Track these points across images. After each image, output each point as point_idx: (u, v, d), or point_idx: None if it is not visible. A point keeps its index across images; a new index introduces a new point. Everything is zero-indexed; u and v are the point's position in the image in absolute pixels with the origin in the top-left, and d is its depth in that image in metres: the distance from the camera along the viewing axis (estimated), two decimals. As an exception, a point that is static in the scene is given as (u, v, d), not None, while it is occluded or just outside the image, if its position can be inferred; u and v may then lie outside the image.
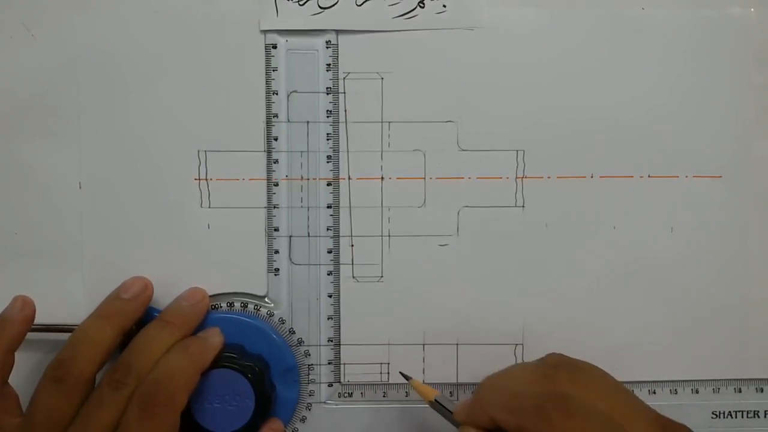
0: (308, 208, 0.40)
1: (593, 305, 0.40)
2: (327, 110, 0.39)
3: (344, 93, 0.39)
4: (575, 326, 0.40)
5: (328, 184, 0.40)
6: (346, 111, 0.40)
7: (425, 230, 0.40)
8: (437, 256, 0.40)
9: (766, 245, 0.41)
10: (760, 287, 0.41)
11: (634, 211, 0.40)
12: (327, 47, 0.39)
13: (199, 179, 0.39)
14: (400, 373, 0.40)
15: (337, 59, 0.39)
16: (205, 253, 0.40)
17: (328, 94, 0.39)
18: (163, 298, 0.39)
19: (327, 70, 0.39)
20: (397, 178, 0.40)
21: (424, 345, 0.40)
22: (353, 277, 0.40)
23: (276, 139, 0.39)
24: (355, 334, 0.40)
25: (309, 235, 0.40)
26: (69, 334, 0.37)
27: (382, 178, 0.40)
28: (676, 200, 0.40)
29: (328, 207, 0.40)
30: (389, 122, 0.40)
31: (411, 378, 0.39)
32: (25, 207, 0.39)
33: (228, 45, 0.39)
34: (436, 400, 0.37)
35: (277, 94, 0.39)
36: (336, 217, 0.40)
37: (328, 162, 0.40)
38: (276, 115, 0.39)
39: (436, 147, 0.40)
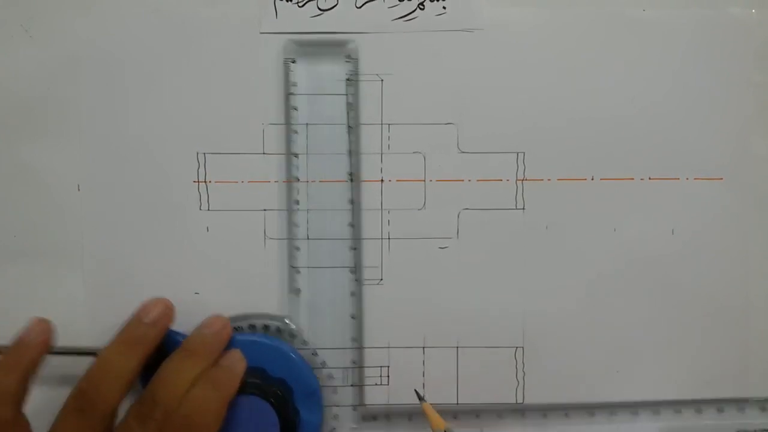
0: (321, 208, 0.40)
1: (594, 307, 0.40)
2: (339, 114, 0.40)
3: (345, 95, 0.40)
4: (576, 329, 0.40)
5: (350, 202, 0.40)
6: (348, 113, 0.40)
7: (425, 232, 0.40)
8: (437, 258, 0.40)
9: (767, 246, 0.40)
10: (762, 288, 0.40)
11: (635, 213, 0.40)
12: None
13: (198, 181, 0.39)
14: (415, 391, 0.39)
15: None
16: (204, 255, 0.39)
17: (347, 113, 0.39)
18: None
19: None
20: (397, 180, 0.40)
21: (424, 348, 0.40)
22: (354, 279, 0.40)
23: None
24: (354, 337, 0.40)
25: (325, 240, 0.40)
26: (78, 354, 0.37)
27: (382, 180, 0.40)
28: (676, 202, 0.40)
29: (349, 225, 0.40)
30: (389, 124, 0.40)
31: (424, 400, 0.39)
32: (25, 208, 0.39)
33: (228, 46, 0.39)
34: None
35: (295, 102, 0.39)
36: (358, 251, 0.40)
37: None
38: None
39: (436, 149, 0.40)
